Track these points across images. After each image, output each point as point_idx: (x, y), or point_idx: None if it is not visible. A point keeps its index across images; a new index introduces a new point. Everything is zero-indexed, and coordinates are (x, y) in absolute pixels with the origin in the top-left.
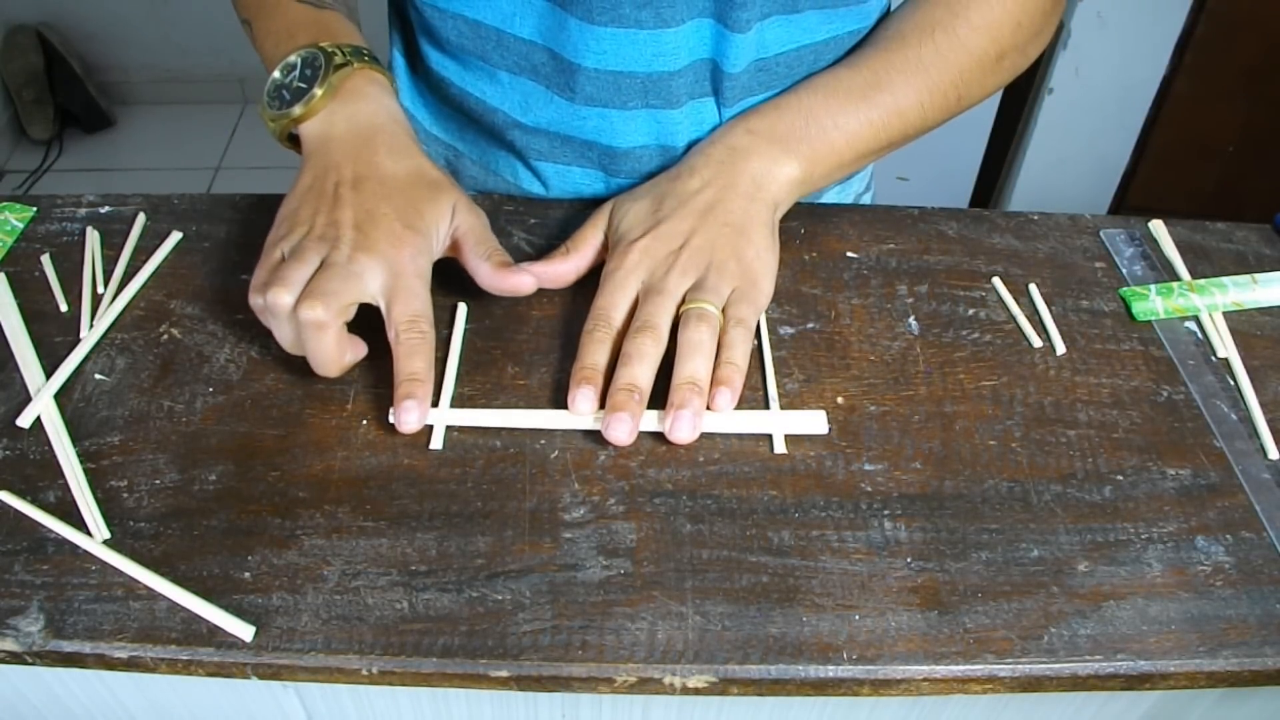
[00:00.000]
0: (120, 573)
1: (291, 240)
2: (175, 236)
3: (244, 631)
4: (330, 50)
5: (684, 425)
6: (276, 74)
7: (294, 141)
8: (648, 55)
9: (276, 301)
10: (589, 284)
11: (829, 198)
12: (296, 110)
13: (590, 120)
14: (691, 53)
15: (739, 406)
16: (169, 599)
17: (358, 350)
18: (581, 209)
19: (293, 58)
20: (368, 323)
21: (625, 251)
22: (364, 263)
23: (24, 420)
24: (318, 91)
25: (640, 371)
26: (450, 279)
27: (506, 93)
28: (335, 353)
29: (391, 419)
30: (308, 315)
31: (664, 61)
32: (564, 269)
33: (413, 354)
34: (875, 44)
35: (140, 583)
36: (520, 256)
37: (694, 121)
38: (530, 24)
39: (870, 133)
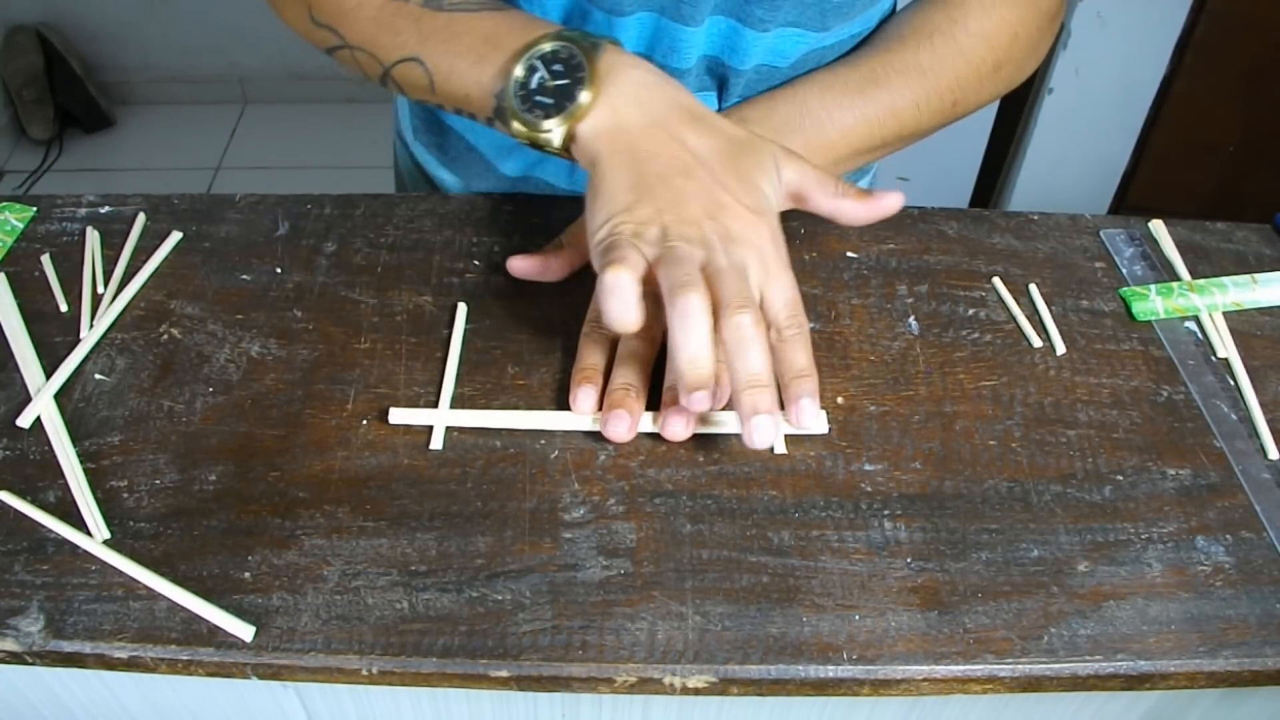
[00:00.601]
0: (120, 573)
1: (645, 238)
2: (175, 236)
3: (244, 631)
4: (575, 38)
5: (676, 425)
6: (522, 73)
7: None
8: (663, 48)
9: (693, 306)
10: (587, 285)
11: None
12: (572, 112)
13: None
14: (702, 49)
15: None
16: (169, 599)
17: None
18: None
19: (546, 46)
20: (372, 323)
21: None
22: (741, 256)
23: (24, 420)
24: (584, 97)
25: (636, 370)
26: (450, 279)
27: None
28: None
29: (792, 420)
30: (754, 327)
31: (678, 58)
32: (554, 264)
33: (797, 348)
34: (874, 43)
35: (140, 583)
36: None
37: None
38: (555, 16)
39: (865, 129)
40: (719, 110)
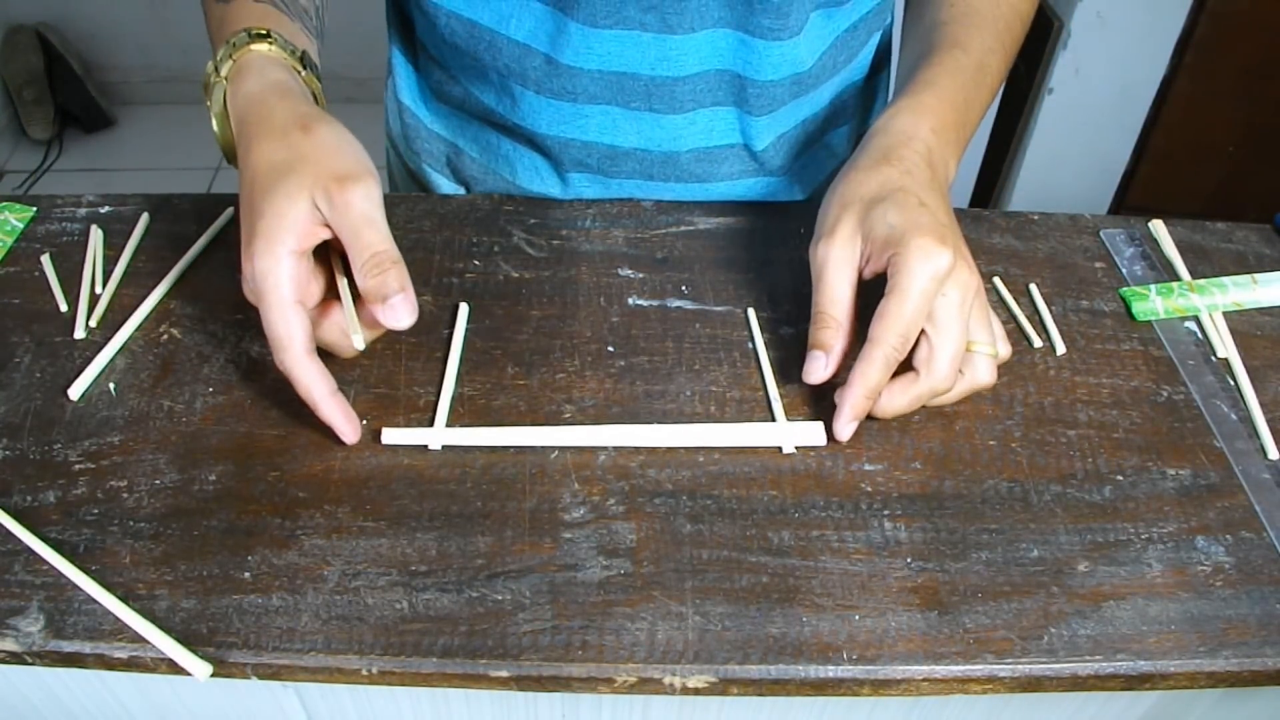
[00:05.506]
0: (119, 573)
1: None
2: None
3: (200, 670)
4: (215, 65)
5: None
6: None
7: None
8: (651, 59)
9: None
10: (588, 286)
11: None
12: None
13: (593, 120)
14: (704, 61)
15: (741, 414)
16: (168, 599)
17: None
18: (583, 209)
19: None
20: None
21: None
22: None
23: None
24: (211, 109)
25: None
26: (450, 279)
27: (502, 92)
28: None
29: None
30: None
31: (669, 66)
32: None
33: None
34: (970, 21)
35: (140, 582)
36: (520, 257)
37: (703, 129)
38: (527, 26)
39: (978, 118)
40: (748, 129)
